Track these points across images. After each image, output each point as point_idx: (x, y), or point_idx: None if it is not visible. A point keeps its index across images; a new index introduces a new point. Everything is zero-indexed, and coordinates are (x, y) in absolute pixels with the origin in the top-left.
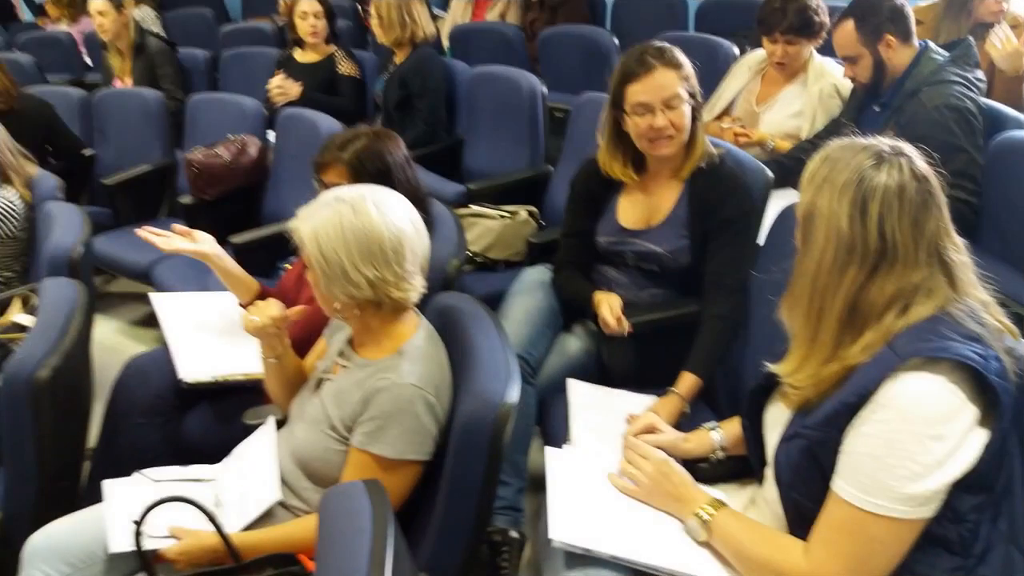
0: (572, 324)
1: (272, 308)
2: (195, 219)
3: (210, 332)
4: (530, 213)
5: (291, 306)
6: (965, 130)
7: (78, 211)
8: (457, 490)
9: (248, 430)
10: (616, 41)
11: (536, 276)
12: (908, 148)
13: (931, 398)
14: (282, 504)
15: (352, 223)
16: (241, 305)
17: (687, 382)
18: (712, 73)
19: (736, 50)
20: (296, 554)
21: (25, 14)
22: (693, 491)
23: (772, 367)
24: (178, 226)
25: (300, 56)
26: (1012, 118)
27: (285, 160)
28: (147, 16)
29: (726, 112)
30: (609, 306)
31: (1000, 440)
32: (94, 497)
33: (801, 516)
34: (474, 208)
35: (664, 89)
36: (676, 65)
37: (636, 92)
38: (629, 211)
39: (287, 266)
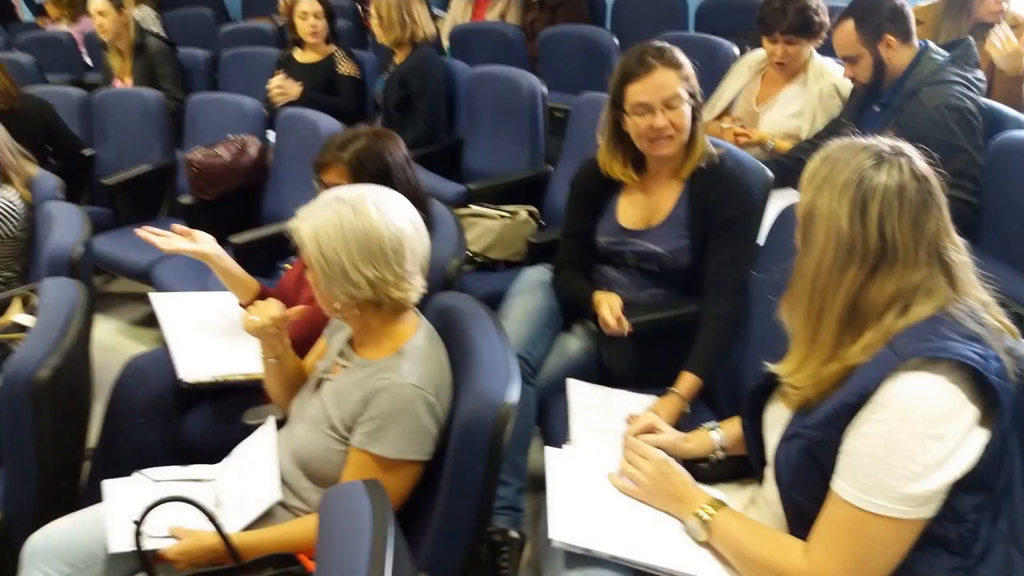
0: (572, 324)
1: (272, 308)
2: (195, 219)
3: (210, 332)
4: (530, 213)
5: (291, 306)
6: (965, 130)
7: (78, 211)
8: (457, 490)
9: (248, 430)
10: (616, 41)
11: (536, 276)
12: (908, 148)
13: (931, 398)
14: (282, 504)
15: (352, 223)
16: (241, 305)
17: (687, 382)
18: (712, 73)
19: (736, 50)
20: (296, 554)
21: (25, 14)
22: (693, 491)
23: (772, 367)
24: (178, 226)
25: (300, 56)
26: (1012, 118)
27: (285, 160)
28: (147, 16)
29: (726, 112)
30: (609, 306)
31: (1000, 440)
32: (94, 497)
33: (801, 516)
34: (474, 208)
35: (664, 89)
36: (676, 65)
37: (636, 92)
38: (629, 211)
39: (287, 266)
